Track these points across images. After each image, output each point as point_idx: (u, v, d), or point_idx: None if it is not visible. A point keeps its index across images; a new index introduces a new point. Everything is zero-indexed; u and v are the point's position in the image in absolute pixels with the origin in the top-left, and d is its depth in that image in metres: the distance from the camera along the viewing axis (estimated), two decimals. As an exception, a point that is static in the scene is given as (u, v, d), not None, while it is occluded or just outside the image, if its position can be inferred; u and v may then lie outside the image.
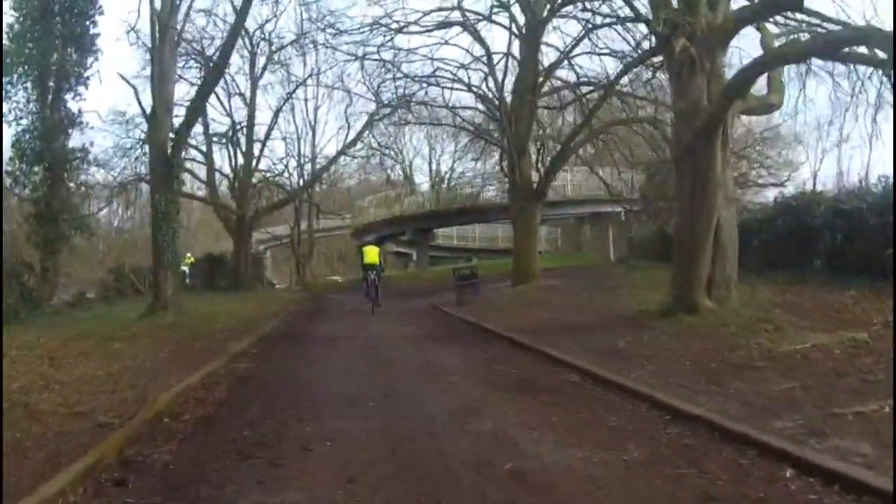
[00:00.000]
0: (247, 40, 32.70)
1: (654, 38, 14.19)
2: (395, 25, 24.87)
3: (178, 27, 18.50)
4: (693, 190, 11.68)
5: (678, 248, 12.26)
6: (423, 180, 52.92)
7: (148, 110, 18.15)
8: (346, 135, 35.00)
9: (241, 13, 19.12)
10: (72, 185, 22.48)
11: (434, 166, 56.38)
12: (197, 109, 19.35)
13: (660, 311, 12.19)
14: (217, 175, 35.81)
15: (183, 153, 22.26)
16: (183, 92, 27.67)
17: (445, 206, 39.67)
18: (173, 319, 16.15)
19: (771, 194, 25.88)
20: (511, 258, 37.04)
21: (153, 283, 19.02)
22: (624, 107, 24.45)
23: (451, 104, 27.25)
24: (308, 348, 12.61)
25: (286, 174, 38.64)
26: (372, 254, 21.72)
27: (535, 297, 19.08)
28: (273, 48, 33.04)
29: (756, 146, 23.92)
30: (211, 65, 23.50)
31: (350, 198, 50.43)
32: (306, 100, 41.02)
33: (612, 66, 24.09)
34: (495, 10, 23.99)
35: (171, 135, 18.31)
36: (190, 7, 19.98)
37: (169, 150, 17.95)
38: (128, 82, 19.72)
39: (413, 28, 24.89)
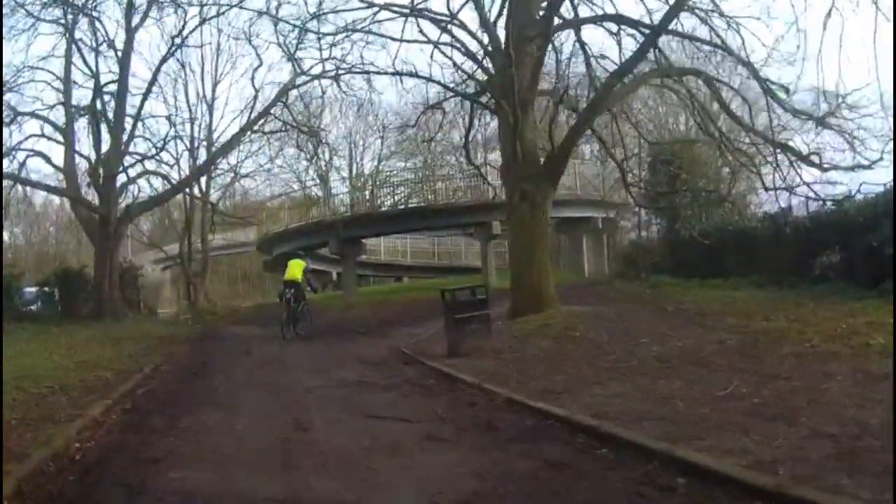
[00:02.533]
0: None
1: None
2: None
3: None
4: None
5: None
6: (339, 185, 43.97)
7: None
8: (252, 107, 25.94)
9: None
10: None
11: (356, 169, 47.15)
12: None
13: None
14: (83, 162, 25.89)
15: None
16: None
17: (387, 208, 30.62)
18: None
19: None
20: (478, 275, 29.07)
21: None
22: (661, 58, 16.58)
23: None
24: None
25: (172, 161, 28.98)
26: (295, 268, 17.52)
27: (596, 339, 10.90)
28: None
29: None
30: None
31: (254, 201, 40.58)
32: (203, 48, 31.27)
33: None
34: None
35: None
36: None
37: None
38: None
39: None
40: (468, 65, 17.88)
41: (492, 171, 24.07)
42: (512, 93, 14.97)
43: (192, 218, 32.34)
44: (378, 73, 19.52)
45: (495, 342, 11.48)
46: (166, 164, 27.31)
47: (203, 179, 32.26)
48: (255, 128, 25.89)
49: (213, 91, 31.77)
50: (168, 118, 27.06)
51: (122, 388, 9.23)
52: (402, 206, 29.29)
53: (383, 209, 30.30)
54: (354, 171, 44.02)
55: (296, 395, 8.98)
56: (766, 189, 17.65)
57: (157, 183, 27.12)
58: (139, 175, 26.24)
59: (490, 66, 16.97)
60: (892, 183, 14.07)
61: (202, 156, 31.13)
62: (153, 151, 26.32)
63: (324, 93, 26.40)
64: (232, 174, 33.77)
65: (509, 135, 15.70)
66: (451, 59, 17.17)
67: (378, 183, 31.75)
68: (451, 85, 19.09)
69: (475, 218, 28.87)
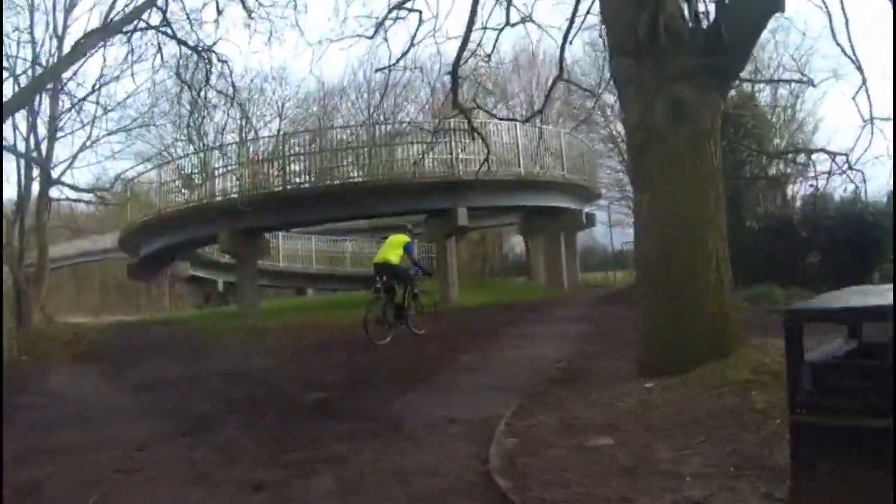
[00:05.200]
0: None
1: None
2: None
3: None
4: None
5: None
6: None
7: None
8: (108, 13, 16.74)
9: None
10: None
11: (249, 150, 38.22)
12: None
13: None
14: None
15: None
16: None
17: (304, 184, 21.66)
18: None
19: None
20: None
21: None
22: None
23: None
24: None
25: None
26: (389, 246, 12.82)
27: None
28: None
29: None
30: None
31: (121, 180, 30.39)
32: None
33: None
34: None
35: None
36: None
37: None
38: None
39: None
40: None
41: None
42: None
43: (23, 193, 22.41)
44: None
45: None
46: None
47: (44, 143, 22.50)
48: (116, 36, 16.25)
49: (66, 19, 21.92)
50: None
51: None
52: (338, 182, 20.53)
53: (294, 186, 21.41)
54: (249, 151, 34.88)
55: None
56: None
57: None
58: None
59: None
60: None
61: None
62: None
63: (220, 12, 17.28)
64: (85, 136, 23.92)
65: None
66: None
67: (285, 152, 22.41)
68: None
69: (434, 203, 20.61)
